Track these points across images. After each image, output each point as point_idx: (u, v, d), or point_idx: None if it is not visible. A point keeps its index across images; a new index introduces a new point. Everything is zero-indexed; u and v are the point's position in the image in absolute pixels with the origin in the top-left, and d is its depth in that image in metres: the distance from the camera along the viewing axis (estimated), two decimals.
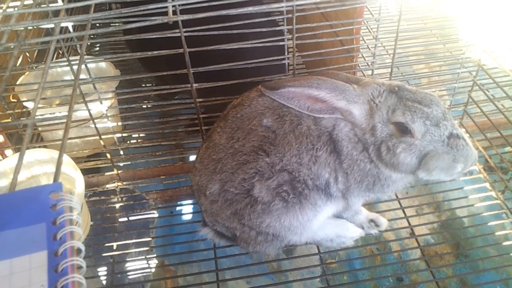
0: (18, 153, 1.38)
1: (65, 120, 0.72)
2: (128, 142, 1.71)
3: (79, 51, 1.35)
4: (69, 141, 1.51)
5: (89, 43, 1.23)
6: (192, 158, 1.75)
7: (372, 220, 1.40)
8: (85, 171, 1.47)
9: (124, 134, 1.68)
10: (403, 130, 1.04)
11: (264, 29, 1.33)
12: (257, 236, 1.20)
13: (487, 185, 1.56)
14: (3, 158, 1.46)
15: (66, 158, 1.34)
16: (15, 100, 1.56)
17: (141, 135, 1.74)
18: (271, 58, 1.34)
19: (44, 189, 0.57)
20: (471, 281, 1.46)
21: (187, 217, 1.64)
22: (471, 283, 1.45)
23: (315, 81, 1.06)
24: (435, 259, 1.56)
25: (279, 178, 1.12)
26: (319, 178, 1.14)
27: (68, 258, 0.50)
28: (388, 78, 1.55)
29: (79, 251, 0.53)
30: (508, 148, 1.55)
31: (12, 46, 0.89)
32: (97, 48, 2.10)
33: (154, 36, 1.16)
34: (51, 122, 1.49)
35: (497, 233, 1.47)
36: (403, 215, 1.49)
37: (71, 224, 0.53)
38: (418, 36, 1.90)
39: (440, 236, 1.62)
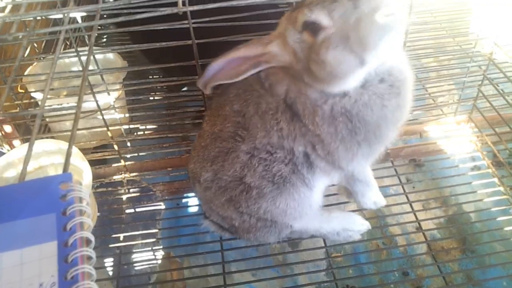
0: (26, 144, 1.39)
1: (73, 111, 0.72)
2: (136, 134, 1.71)
3: (87, 42, 1.34)
4: (76, 132, 1.51)
5: (97, 34, 1.23)
6: None
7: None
8: (92, 163, 1.47)
9: (131, 126, 1.68)
10: (314, 29, 0.91)
11: (273, 21, 1.32)
12: (257, 222, 1.18)
13: (495, 180, 1.54)
14: (11, 149, 1.47)
15: (73, 149, 1.33)
16: (23, 91, 1.56)
17: (148, 127, 1.74)
18: None
19: (54, 179, 0.57)
20: (477, 276, 1.45)
21: (193, 209, 1.64)
22: (477, 279, 1.45)
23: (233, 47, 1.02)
24: (441, 254, 1.55)
25: (261, 162, 1.09)
26: (295, 152, 1.08)
27: (78, 248, 0.50)
28: None
29: (88, 241, 0.53)
30: None
31: (20, 37, 0.88)
32: (105, 39, 2.10)
33: (161, 27, 1.15)
34: (59, 113, 1.49)
35: (505, 229, 1.46)
36: (410, 209, 1.48)
37: (81, 214, 0.53)
38: (427, 29, 1.88)
39: (446, 231, 1.61)
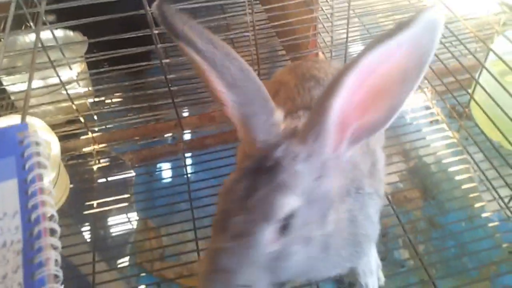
0: None
1: (36, 87, 0.78)
2: (102, 108, 1.76)
3: (44, 19, 1.38)
4: (42, 108, 1.55)
5: (48, 9, 1.27)
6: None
7: None
8: (62, 137, 1.53)
9: (96, 99, 1.73)
10: None
11: None
12: None
13: (444, 126, 1.66)
14: None
15: (40, 123, 1.39)
16: None
17: (113, 100, 1.78)
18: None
19: (11, 128, 0.64)
20: (438, 221, 1.55)
21: (167, 179, 1.71)
22: (439, 223, 1.54)
23: None
24: (404, 203, 1.65)
25: None
26: None
27: (36, 182, 0.57)
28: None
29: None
30: (463, 92, 1.63)
31: None
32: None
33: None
34: (22, 89, 1.53)
35: (455, 169, 1.57)
36: None
37: (38, 155, 0.60)
38: None
39: (408, 182, 1.70)
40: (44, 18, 1.40)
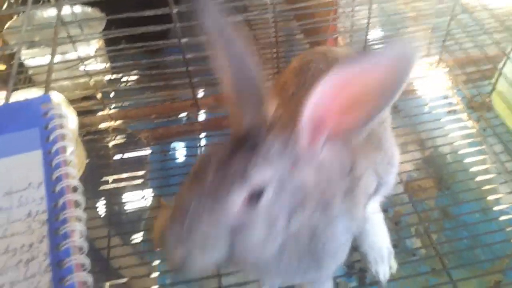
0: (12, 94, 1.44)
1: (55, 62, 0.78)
2: (118, 85, 1.76)
3: None
4: (60, 83, 1.56)
5: None
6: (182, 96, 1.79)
7: None
8: (79, 113, 1.53)
9: (113, 76, 1.73)
10: None
11: None
12: None
13: (463, 115, 1.63)
14: None
15: (58, 97, 1.40)
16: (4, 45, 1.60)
17: (130, 78, 1.79)
18: None
19: (35, 100, 0.64)
20: (452, 212, 1.53)
21: (181, 158, 1.71)
22: (452, 214, 1.53)
23: None
24: (419, 192, 1.64)
25: None
26: None
27: (60, 155, 0.58)
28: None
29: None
30: (485, 82, 1.60)
31: None
32: None
33: None
34: (40, 64, 1.54)
35: (473, 160, 1.55)
36: None
37: (62, 128, 0.60)
38: None
39: (422, 171, 1.68)
40: None
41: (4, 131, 0.59)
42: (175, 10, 1.40)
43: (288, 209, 0.73)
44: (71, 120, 1.35)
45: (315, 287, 1.21)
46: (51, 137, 0.59)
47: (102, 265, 1.30)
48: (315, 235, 0.84)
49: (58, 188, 0.55)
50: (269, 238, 0.72)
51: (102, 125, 1.66)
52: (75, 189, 0.55)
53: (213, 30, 0.74)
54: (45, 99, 0.64)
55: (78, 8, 1.73)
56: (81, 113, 1.62)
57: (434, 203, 1.59)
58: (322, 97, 0.67)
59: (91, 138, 1.63)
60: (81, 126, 1.61)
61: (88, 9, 1.76)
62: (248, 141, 0.71)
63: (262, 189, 0.68)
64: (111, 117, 1.65)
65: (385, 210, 1.58)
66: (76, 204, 0.55)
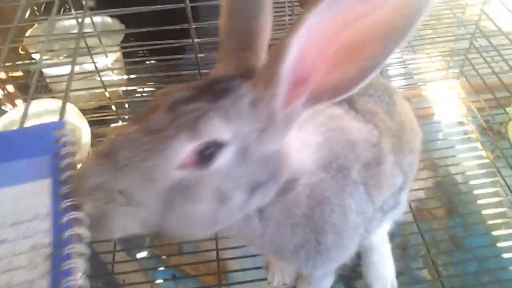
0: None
1: (67, 65, 0.78)
2: (133, 96, 1.77)
3: (84, 3, 1.39)
4: (75, 93, 1.57)
5: None
6: None
7: None
8: (92, 123, 1.54)
9: (128, 88, 1.74)
10: None
11: None
12: None
13: (478, 144, 1.61)
14: (14, 108, 1.54)
15: (72, 109, 1.41)
16: (24, 52, 1.62)
17: (145, 89, 1.80)
18: None
19: (49, 125, 0.64)
20: (462, 242, 1.50)
21: None
22: (462, 244, 1.50)
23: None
24: (427, 215, 1.61)
25: None
26: None
27: (70, 184, 0.58)
28: None
29: None
30: (501, 110, 1.58)
31: None
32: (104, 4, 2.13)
33: None
34: (58, 73, 1.55)
35: (485, 191, 1.52)
36: None
37: (73, 156, 0.61)
38: None
39: (432, 192, 1.66)
40: (84, 2, 1.41)
41: (16, 157, 0.60)
42: (193, 26, 1.40)
43: (249, 184, 0.60)
44: (84, 132, 1.36)
45: (315, 280, 1.10)
46: (62, 165, 0.59)
47: (105, 280, 1.30)
48: (320, 203, 0.72)
49: (64, 220, 0.55)
50: (216, 213, 0.59)
51: None
52: (80, 222, 0.55)
53: None
54: (59, 125, 0.64)
55: (98, 18, 1.74)
56: (94, 123, 1.63)
57: (444, 232, 1.57)
58: (307, 41, 0.52)
59: None
60: (94, 136, 1.62)
61: (108, 20, 1.77)
62: (215, 85, 0.59)
63: (218, 147, 0.56)
64: None
65: (392, 234, 1.56)
66: (80, 238, 0.55)
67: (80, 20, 1.14)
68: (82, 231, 0.54)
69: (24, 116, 0.70)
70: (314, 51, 0.54)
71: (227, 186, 0.58)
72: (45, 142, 0.61)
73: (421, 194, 1.65)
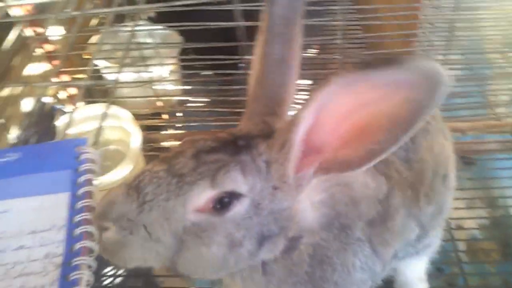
0: (87, 105, 1.54)
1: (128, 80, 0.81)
2: (186, 106, 1.82)
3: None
4: (133, 99, 1.65)
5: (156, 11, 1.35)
6: None
7: None
8: (146, 128, 1.61)
9: (183, 98, 1.79)
10: None
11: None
12: None
13: None
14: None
15: (126, 114, 1.48)
16: (89, 57, 1.72)
17: (199, 99, 1.84)
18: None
19: (71, 142, 0.68)
20: None
21: None
22: None
23: None
24: (480, 254, 1.51)
25: None
26: None
27: (85, 199, 0.61)
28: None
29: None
30: None
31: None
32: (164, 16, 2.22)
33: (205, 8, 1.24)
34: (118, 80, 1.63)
35: None
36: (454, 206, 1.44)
37: (91, 173, 0.64)
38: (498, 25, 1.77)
39: (487, 232, 1.55)
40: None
41: (39, 170, 0.64)
42: (245, 44, 1.43)
43: (259, 234, 0.63)
44: (135, 138, 1.42)
45: None
46: (80, 181, 0.63)
47: (144, 280, 1.33)
48: (321, 262, 0.72)
49: (77, 233, 0.58)
50: (226, 257, 0.62)
51: (166, 143, 1.73)
52: (91, 236, 0.58)
53: (277, 16, 0.69)
54: (80, 142, 0.68)
55: (159, 29, 1.82)
56: (147, 128, 1.70)
57: (495, 270, 1.45)
58: (321, 117, 0.57)
59: (154, 154, 1.70)
60: (146, 141, 1.69)
61: (167, 31, 1.83)
62: (238, 141, 0.64)
63: (234, 197, 0.60)
64: (176, 137, 1.71)
65: (438, 268, 1.46)
66: (90, 252, 0.57)
67: (135, 29, 1.19)
68: (91, 244, 0.57)
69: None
70: (327, 126, 0.59)
71: (239, 233, 0.62)
72: (67, 158, 0.65)
73: (474, 225, 1.54)
